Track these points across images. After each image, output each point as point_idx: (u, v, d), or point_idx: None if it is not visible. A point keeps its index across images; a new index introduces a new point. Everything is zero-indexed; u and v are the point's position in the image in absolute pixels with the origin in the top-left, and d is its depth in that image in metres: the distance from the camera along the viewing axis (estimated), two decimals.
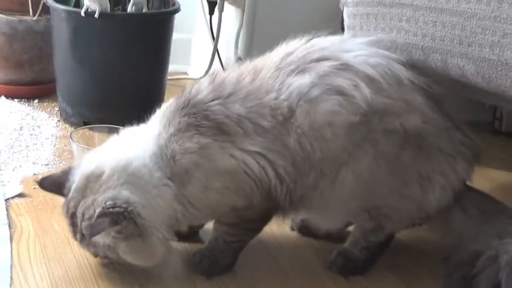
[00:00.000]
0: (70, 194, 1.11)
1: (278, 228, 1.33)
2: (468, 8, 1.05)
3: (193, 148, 1.08)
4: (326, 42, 1.16)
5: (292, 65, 1.12)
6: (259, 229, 1.21)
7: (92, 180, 1.09)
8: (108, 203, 1.05)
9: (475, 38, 1.05)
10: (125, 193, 1.06)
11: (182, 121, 1.10)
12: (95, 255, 1.14)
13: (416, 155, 1.12)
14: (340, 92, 1.09)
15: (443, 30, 1.10)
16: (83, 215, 1.08)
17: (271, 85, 1.11)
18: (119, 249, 1.08)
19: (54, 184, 1.17)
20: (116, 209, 1.04)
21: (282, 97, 1.10)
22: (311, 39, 1.17)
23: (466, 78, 1.09)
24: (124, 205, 1.05)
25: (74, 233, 1.11)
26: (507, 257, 1.08)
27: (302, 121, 1.09)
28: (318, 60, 1.12)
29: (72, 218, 1.10)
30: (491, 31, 1.03)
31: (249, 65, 1.16)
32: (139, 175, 1.08)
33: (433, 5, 1.11)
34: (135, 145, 1.12)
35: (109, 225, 1.03)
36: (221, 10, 2.09)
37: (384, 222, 1.18)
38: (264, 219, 1.19)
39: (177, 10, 1.86)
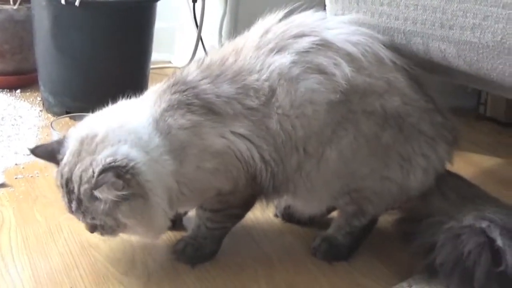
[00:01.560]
0: (64, 160, 1.06)
1: (262, 215, 1.33)
2: None
3: (186, 124, 1.07)
4: (305, 18, 1.15)
5: (271, 43, 1.11)
6: (241, 215, 1.20)
7: (87, 142, 1.04)
8: (108, 159, 1.00)
9: (456, 21, 1.05)
10: (124, 148, 1.02)
11: (173, 98, 1.09)
12: (92, 227, 1.08)
13: (396, 136, 1.12)
14: (320, 70, 1.09)
15: (424, 14, 1.09)
16: (80, 178, 1.02)
17: (253, 65, 1.11)
18: (120, 211, 1.02)
19: (47, 151, 1.12)
20: (118, 163, 1.00)
21: (263, 77, 1.10)
22: (288, 14, 1.16)
23: (447, 61, 1.09)
24: (125, 161, 1.00)
25: (70, 202, 1.05)
26: (454, 224, 1.09)
27: (282, 100, 1.09)
28: (297, 36, 1.11)
29: (67, 184, 1.05)
30: (472, 14, 1.02)
31: (229, 46, 1.16)
32: (139, 135, 1.05)
33: None
34: (130, 111, 1.10)
35: (113, 177, 0.98)
36: (203, 1, 2.08)
37: (365, 205, 1.18)
38: (247, 205, 1.18)
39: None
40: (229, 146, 1.09)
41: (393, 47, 1.14)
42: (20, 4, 1.96)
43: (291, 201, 1.26)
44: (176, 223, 1.27)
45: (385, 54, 1.11)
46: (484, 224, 1.07)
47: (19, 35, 1.98)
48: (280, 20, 1.16)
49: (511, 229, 1.06)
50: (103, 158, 1.01)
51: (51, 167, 1.47)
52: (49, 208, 1.32)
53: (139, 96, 1.16)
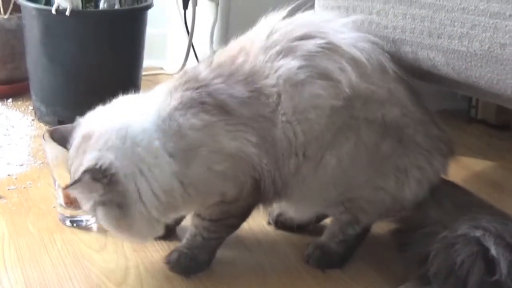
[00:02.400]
0: (70, 152, 1.09)
1: (256, 223, 1.33)
2: (436, 0, 1.05)
3: (199, 125, 1.05)
4: (311, 18, 1.14)
5: (278, 46, 1.10)
6: (238, 225, 1.20)
7: (86, 140, 1.06)
8: (90, 163, 1.02)
9: (444, 30, 1.05)
10: (110, 155, 1.02)
11: (185, 95, 1.06)
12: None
13: (395, 146, 1.11)
14: (326, 75, 1.08)
15: (413, 23, 1.10)
16: (74, 175, 1.06)
17: (262, 69, 1.09)
18: (97, 214, 1.05)
19: (61, 136, 1.14)
20: (98, 167, 1.01)
21: (271, 82, 1.08)
22: (292, 12, 1.15)
23: (437, 69, 1.09)
24: (106, 166, 1.01)
25: None
26: (448, 234, 1.07)
27: (286, 107, 1.08)
28: (304, 37, 1.10)
29: (70, 175, 1.09)
30: (460, 23, 1.03)
31: (236, 45, 1.14)
32: (137, 139, 1.04)
33: None
34: (137, 109, 1.08)
35: (89, 179, 1.00)
36: (195, 4, 2.08)
37: (360, 214, 1.18)
38: (245, 215, 1.18)
39: (149, 6, 1.85)
40: (241, 149, 1.07)
41: (394, 57, 1.13)
42: (10, 13, 1.96)
43: (285, 206, 1.25)
44: (170, 233, 1.27)
45: (388, 63, 1.11)
46: (478, 233, 1.06)
47: (10, 44, 1.98)
48: (284, 18, 1.14)
49: (506, 238, 1.05)
50: (87, 160, 1.03)
51: (44, 178, 1.48)
52: (42, 219, 1.32)
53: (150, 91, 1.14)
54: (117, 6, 1.78)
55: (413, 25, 1.10)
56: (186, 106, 1.06)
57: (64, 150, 1.25)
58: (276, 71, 1.09)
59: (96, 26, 1.75)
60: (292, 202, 1.20)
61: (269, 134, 1.09)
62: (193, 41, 2.13)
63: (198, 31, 2.12)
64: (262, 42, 1.11)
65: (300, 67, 1.08)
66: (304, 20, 1.14)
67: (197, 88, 1.07)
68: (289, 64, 1.08)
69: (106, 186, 1.02)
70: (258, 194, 1.13)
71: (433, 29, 1.07)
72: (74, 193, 1.07)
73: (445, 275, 1.06)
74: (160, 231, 1.11)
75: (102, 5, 1.77)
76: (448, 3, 1.04)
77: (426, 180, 1.15)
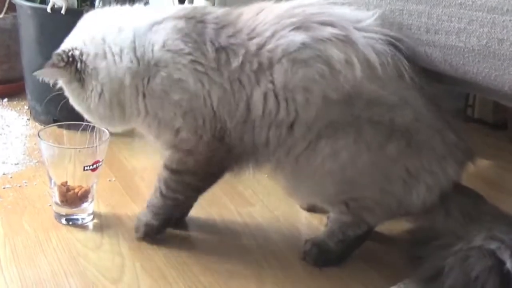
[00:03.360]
0: None
1: (252, 220, 1.33)
2: None
3: (172, 49, 1.11)
4: (341, 10, 1.13)
5: (294, 18, 1.10)
6: (198, 189, 1.21)
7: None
8: (61, 49, 1.17)
9: (442, 26, 1.05)
10: (80, 42, 1.17)
11: (178, 22, 1.13)
12: None
13: (403, 150, 1.09)
14: (327, 63, 1.06)
15: (410, 18, 1.09)
16: None
17: (264, 29, 1.10)
18: (66, 90, 1.20)
19: None
20: (63, 49, 1.16)
21: (268, 47, 1.09)
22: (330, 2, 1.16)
23: (434, 65, 1.09)
24: (70, 48, 1.16)
25: None
26: (462, 246, 1.05)
27: (277, 78, 1.08)
28: (324, 23, 1.09)
29: None
30: (457, 18, 1.03)
31: (259, 4, 1.16)
32: (109, 37, 1.15)
33: None
34: (122, 13, 1.20)
35: (48, 65, 1.16)
36: (191, 2, 2.07)
37: (363, 216, 1.16)
38: (206, 177, 1.19)
39: (145, 4, 1.84)
40: (202, 91, 1.10)
41: (415, 63, 1.10)
42: (5, 13, 1.96)
43: (279, 179, 1.23)
44: (178, 222, 1.29)
45: (406, 70, 1.08)
46: (494, 246, 1.03)
47: (6, 43, 1.97)
48: (320, 3, 1.15)
49: None
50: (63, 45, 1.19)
51: (39, 177, 1.48)
52: (37, 217, 1.32)
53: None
54: (112, 5, 1.78)
55: (410, 21, 1.09)
56: (172, 29, 1.13)
57: (59, 148, 1.25)
58: (279, 38, 1.08)
59: None
60: (287, 180, 1.19)
61: (243, 90, 1.10)
62: None
63: None
64: (281, 11, 1.12)
65: (304, 45, 1.07)
66: (333, 11, 1.12)
67: (190, 20, 1.13)
68: (295, 38, 1.08)
69: (67, 64, 1.15)
70: (221, 145, 1.13)
71: (430, 25, 1.07)
72: (47, 73, 1.20)
73: None
74: (118, 128, 1.24)
75: (98, 3, 1.76)
76: None
77: (437, 186, 1.12)
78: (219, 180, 1.21)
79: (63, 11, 1.66)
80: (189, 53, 1.11)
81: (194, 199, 1.25)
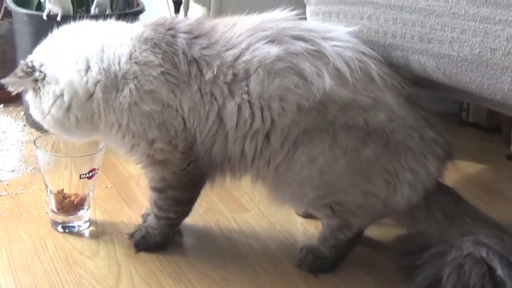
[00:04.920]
0: None
1: (248, 226, 1.34)
2: (427, 5, 1.06)
3: (140, 61, 1.12)
4: (314, 25, 1.18)
5: (268, 31, 1.13)
6: (183, 202, 1.23)
7: None
8: (27, 61, 1.19)
9: (435, 35, 1.06)
10: (40, 53, 1.20)
11: (147, 32, 1.14)
12: None
13: (380, 151, 1.11)
14: (301, 75, 1.10)
15: (403, 28, 1.10)
16: None
17: (239, 41, 1.12)
18: (27, 99, 1.21)
19: None
20: (21, 63, 1.18)
21: (243, 58, 1.11)
22: (300, 17, 1.18)
23: (427, 74, 1.10)
24: (30, 60, 1.18)
25: None
26: (456, 254, 1.06)
27: (252, 88, 1.11)
28: (296, 38, 1.12)
29: None
30: (450, 28, 1.03)
31: (232, 18, 1.18)
32: (71, 46, 1.17)
33: (393, 3, 1.11)
34: (94, 27, 1.22)
35: (18, 71, 1.17)
36: (186, 9, 2.07)
37: (350, 218, 1.18)
38: (188, 187, 1.21)
39: (141, 11, 1.85)
40: (174, 102, 1.12)
41: (389, 64, 1.14)
42: (1, 18, 1.96)
43: (260, 187, 1.24)
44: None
45: (377, 72, 1.11)
46: (483, 253, 1.05)
47: (2, 49, 1.98)
48: (292, 18, 1.17)
49: (509, 258, 1.04)
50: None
51: (35, 184, 1.48)
52: (34, 225, 1.32)
53: None
54: (108, 11, 1.78)
55: (404, 30, 1.10)
56: (141, 40, 1.13)
57: (56, 156, 1.26)
58: (254, 50, 1.11)
59: None
60: (269, 188, 1.20)
61: (216, 104, 1.12)
62: None
63: None
64: (254, 24, 1.15)
65: (279, 57, 1.10)
66: (307, 26, 1.16)
67: (161, 33, 1.14)
68: (271, 50, 1.11)
69: (25, 74, 1.17)
70: (192, 154, 1.16)
71: (423, 34, 1.07)
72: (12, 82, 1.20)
73: None
74: (76, 137, 1.23)
75: (93, 10, 1.77)
76: (438, 8, 1.05)
77: (420, 183, 1.14)
78: (201, 189, 1.24)
79: (59, 18, 1.66)
80: (160, 65, 1.12)
81: (186, 213, 1.27)
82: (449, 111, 2.02)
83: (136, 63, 1.12)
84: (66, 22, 1.66)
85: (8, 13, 1.89)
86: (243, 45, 1.12)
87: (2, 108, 1.96)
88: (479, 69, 1.01)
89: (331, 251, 1.21)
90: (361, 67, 1.11)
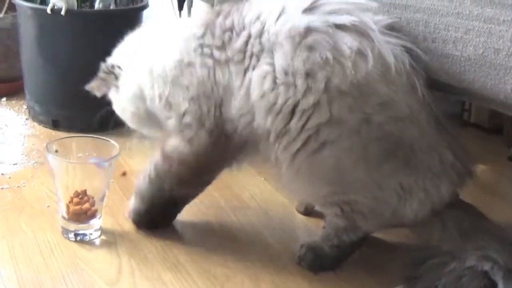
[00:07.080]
0: None
1: (249, 223, 1.34)
2: (431, 5, 1.06)
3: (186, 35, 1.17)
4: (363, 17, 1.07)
5: (305, 1, 1.07)
6: (182, 183, 1.21)
7: None
8: (107, 63, 1.29)
9: (439, 34, 1.06)
10: (118, 57, 1.29)
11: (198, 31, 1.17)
12: None
13: (400, 168, 1.08)
14: (338, 50, 1.02)
15: (407, 27, 1.10)
16: None
17: (270, 11, 1.09)
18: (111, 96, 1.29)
19: None
20: (110, 62, 1.29)
21: (271, 30, 1.07)
22: None
23: (431, 73, 1.10)
24: (111, 61, 1.29)
25: None
26: (456, 266, 1.04)
27: (277, 60, 1.06)
28: (338, 11, 1.06)
29: None
30: (454, 28, 1.04)
31: None
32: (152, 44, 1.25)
33: (397, 2, 1.11)
34: (162, 28, 1.29)
35: (100, 73, 1.29)
36: (190, 6, 2.08)
37: (358, 221, 1.15)
38: (197, 174, 1.20)
39: (145, 6, 1.85)
40: (208, 76, 1.12)
41: (428, 82, 1.08)
42: (5, 12, 1.96)
43: (273, 176, 1.24)
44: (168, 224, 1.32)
45: (420, 84, 1.06)
46: (487, 267, 1.02)
47: (5, 43, 1.98)
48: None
49: None
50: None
51: (37, 177, 1.48)
52: (36, 219, 1.32)
53: None
54: (112, 6, 1.79)
55: (408, 29, 1.10)
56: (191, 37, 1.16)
57: (67, 160, 1.24)
58: (285, 20, 1.07)
59: (91, 26, 1.75)
60: (283, 177, 1.15)
61: (243, 70, 1.10)
62: None
63: None
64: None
65: (313, 27, 1.04)
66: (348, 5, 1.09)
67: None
68: (302, 19, 1.05)
69: (108, 73, 1.28)
70: (222, 144, 1.14)
71: (427, 33, 1.07)
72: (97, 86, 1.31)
73: None
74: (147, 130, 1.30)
75: (97, 5, 1.77)
76: (443, 7, 1.05)
77: (429, 202, 1.11)
78: (205, 186, 1.26)
79: (63, 12, 1.67)
80: (200, 37, 1.15)
81: (177, 197, 1.25)
82: (451, 111, 2.02)
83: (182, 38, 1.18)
84: (70, 17, 1.69)
85: (12, 7, 1.89)
86: (273, 16, 1.08)
87: (5, 102, 1.97)
88: (482, 69, 1.01)
89: (332, 250, 1.20)
90: (409, 70, 1.05)
